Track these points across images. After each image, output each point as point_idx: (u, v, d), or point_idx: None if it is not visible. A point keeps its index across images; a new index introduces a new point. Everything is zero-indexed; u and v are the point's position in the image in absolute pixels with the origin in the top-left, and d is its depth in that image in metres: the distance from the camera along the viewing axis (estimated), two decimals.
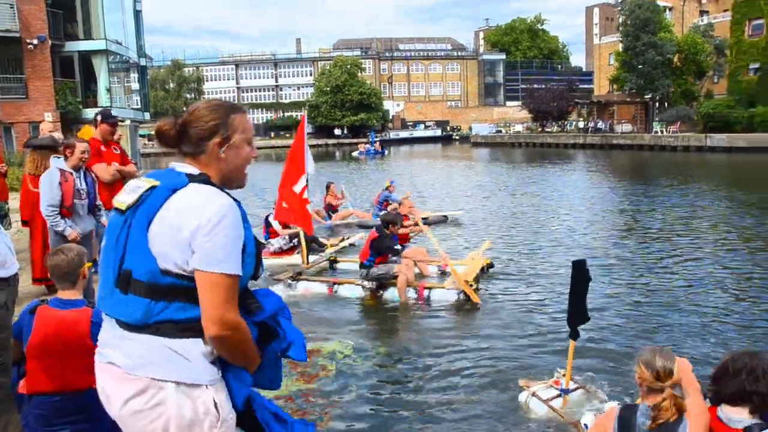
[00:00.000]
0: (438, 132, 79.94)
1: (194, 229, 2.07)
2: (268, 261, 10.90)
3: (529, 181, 27.18)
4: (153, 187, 2.18)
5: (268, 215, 11.80)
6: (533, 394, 5.47)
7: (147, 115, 36.95)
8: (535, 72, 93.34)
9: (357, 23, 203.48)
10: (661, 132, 53.51)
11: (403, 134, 79.20)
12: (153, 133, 2.75)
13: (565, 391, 5.44)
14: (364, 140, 62.52)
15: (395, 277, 8.85)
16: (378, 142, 56.29)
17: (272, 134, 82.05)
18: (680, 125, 53.45)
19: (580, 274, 5.14)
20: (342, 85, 77.64)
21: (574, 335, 5.34)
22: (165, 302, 2.13)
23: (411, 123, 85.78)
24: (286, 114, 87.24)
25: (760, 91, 49.43)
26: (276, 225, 11.67)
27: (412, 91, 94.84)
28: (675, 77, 56.64)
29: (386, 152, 54.22)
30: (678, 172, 30.35)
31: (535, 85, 77.37)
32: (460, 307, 8.42)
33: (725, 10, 58.70)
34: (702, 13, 65.48)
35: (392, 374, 6.38)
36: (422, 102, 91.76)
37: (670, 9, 63.48)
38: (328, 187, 15.95)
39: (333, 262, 10.85)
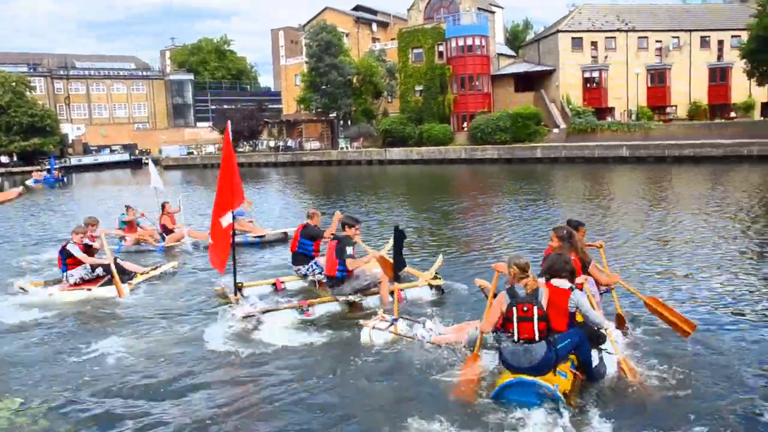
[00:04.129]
0: (126, 156, 74.23)
1: None
2: (68, 294, 10.01)
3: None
4: None
5: (65, 244, 10.47)
6: (373, 328, 7.28)
7: None
8: (225, 92, 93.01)
9: (20, 35, 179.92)
10: (347, 148, 57.04)
11: (87, 160, 72.07)
12: None
13: (395, 320, 7.45)
14: (39, 167, 56.04)
15: (376, 285, 8.75)
16: (58, 169, 50.82)
17: None
18: (363, 141, 57.59)
19: (398, 234, 7.91)
20: (6, 106, 67.88)
21: (398, 278, 8.10)
22: None
23: (95, 148, 78.83)
24: None
25: (424, 109, 55.64)
26: (77, 252, 10.36)
27: (94, 113, 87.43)
28: (355, 97, 60.66)
29: (66, 179, 49.02)
30: (370, 184, 32.52)
31: (225, 106, 77.05)
32: (436, 302, 9.05)
33: (392, 39, 64.84)
34: (374, 40, 71.36)
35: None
36: (106, 125, 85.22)
37: (347, 35, 67.98)
38: (163, 207, 14.92)
39: (239, 289, 9.46)
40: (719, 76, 55.50)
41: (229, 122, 9.68)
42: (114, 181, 48.72)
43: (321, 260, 9.67)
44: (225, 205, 8.58)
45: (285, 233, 15.14)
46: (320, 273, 9.52)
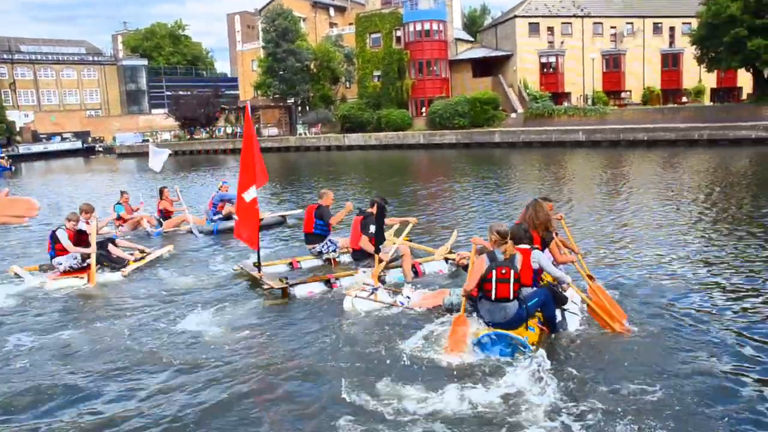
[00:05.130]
0: (78, 144, 72.09)
1: None
2: (56, 283, 9.62)
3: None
4: None
5: (55, 230, 10.17)
6: (355, 296, 7.69)
7: None
8: (180, 78, 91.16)
9: None
10: (305, 134, 56.60)
11: (36, 148, 69.63)
12: None
13: (375, 289, 7.88)
14: None
15: (396, 258, 9.11)
16: (5, 158, 49.25)
17: None
18: (321, 127, 57.20)
19: (380, 210, 8.29)
20: None
21: (378, 251, 8.42)
22: None
23: (45, 135, 76.26)
24: None
25: (382, 95, 55.45)
26: (63, 239, 10.00)
27: (43, 100, 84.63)
28: (313, 83, 60.20)
29: (14, 169, 47.52)
30: (331, 170, 32.40)
31: (181, 92, 75.53)
32: (452, 274, 9.49)
33: (350, 24, 64.39)
34: (332, 24, 70.73)
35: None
36: (56, 112, 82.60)
37: (304, 20, 67.23)
38: (161, 192, 14.74)
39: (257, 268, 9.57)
40: (671, 61, 56.68)
41: (248, 103, 10.11)
42: (66, 169, 47.34)
43: (335, 237, 10.36)
44: (248, 181, 9.05)
45: (283, 216, 15.33)
46: (334, 251, 10.15)
